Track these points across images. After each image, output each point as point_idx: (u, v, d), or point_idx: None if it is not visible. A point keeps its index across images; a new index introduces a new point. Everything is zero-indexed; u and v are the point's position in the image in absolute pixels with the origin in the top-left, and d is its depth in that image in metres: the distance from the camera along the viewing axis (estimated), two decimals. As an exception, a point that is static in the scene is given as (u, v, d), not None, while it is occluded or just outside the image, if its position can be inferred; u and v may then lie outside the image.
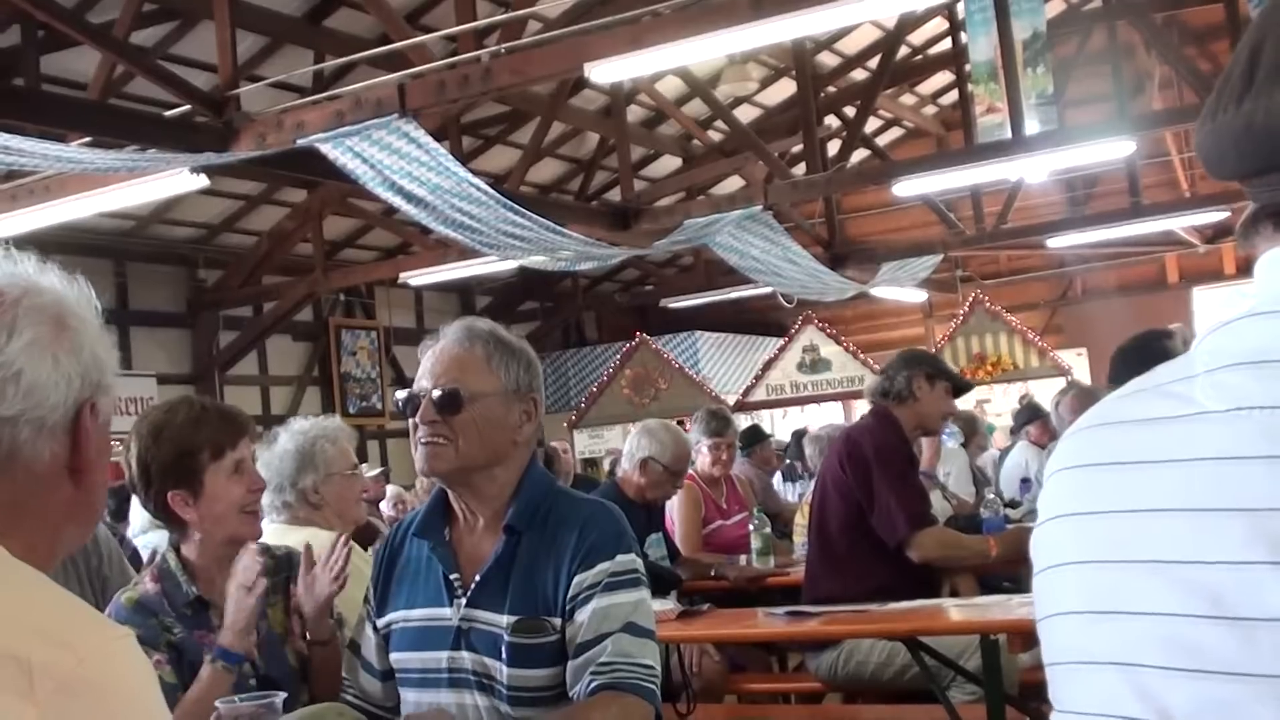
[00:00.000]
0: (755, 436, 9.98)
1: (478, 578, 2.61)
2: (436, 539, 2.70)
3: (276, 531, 3.61)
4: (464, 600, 2.60)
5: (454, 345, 2.67)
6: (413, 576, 2.73)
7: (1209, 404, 1.01)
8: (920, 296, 18.29)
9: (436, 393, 2.60)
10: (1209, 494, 0.97)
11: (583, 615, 2.51)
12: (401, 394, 2.68)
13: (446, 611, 2.63)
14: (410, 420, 2.64)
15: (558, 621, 2.53)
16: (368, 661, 2.79)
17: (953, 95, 17.44)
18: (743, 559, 6.51)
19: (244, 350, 15.55)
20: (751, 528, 6.46)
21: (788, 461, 11.60)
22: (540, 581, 2.56)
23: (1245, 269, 1.17)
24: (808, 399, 16.82)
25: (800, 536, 6.77)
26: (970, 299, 16.69)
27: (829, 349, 16.65)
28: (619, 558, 2.57)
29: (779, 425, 16.80)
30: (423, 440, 2.61)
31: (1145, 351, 4.83)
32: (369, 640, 2.79)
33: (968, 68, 12.15)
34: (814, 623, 4.46)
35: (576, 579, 2.53)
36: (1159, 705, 0.98)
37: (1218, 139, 1.06)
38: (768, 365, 17.22)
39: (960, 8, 12.05)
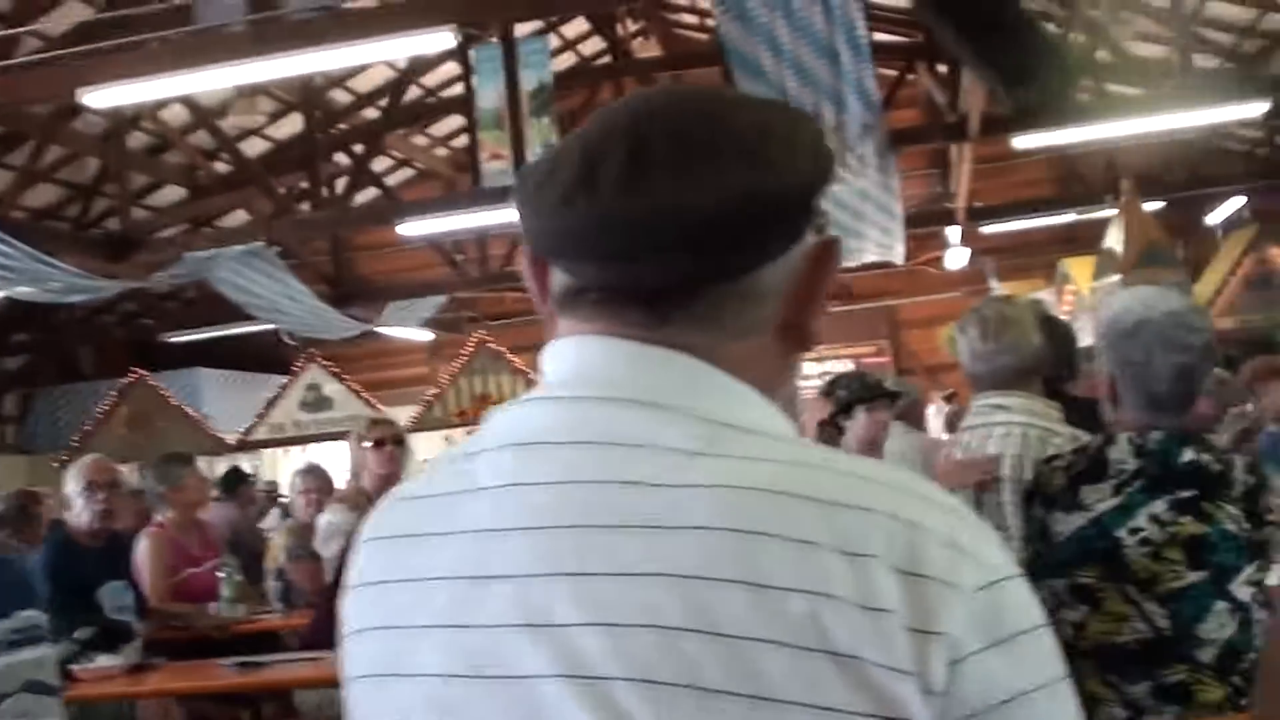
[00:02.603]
0: (237, 479, 9.78)
1: None
2: None
3: None
4: None
5: None
6: None
7: (485, 480, 1.07)
8: (428, 336, 18.41)
9: None
10: (477, 563, 1.04)
11: None
12: None
13: None
14: None
15: None
16: None
17: (464, 139, 17.62)
18: (212, 607, 6.32)
19: None
20: (221, 575, 6.29)
21: (282, 500, 11.43)
22: None
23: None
24: (310, 438, 16.65)
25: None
26: (475, 340, 16.97)
27: (332, 387, 16.60)
28: (19, 614, 2.47)
29: (281, 464, 16.54)
30: None
31: None
32: None
33: (476, 114, 12.36)
34: (265, 673, 4.40)
35: None
36: None
37: (584, 223, 1.03)
38: (270, 404, 17.00)
39: (472, 55, 12.20)
